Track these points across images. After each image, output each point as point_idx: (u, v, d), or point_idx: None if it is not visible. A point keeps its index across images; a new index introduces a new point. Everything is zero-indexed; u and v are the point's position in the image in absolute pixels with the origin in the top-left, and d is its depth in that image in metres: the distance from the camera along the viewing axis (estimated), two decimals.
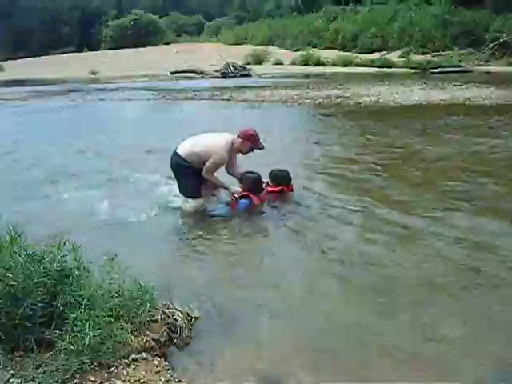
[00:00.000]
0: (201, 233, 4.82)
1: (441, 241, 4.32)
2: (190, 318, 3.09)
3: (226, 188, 5.53)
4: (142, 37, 48.93)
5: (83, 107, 15.14)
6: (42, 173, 6.96)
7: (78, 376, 2.28)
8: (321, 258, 4.16)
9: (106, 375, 2.33)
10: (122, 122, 12.10)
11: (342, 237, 4.54)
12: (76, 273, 2.86)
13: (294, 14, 41.34)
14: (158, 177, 6.25)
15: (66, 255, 2.85)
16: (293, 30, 35.84)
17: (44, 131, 10.85)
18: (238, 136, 5.41)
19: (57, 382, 2.21)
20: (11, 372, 2.27)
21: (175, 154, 5.41)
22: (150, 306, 2.88)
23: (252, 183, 5.45)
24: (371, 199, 5.41)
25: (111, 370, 2.37)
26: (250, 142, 5.41)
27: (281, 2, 46.20)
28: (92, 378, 2.29)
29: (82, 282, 2.75)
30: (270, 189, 5.58)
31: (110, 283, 2.86)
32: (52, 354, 2.36)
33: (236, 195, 5.41)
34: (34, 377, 2.22)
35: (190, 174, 5.37)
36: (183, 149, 5.40)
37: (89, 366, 2.34)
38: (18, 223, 2.82)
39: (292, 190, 5.69)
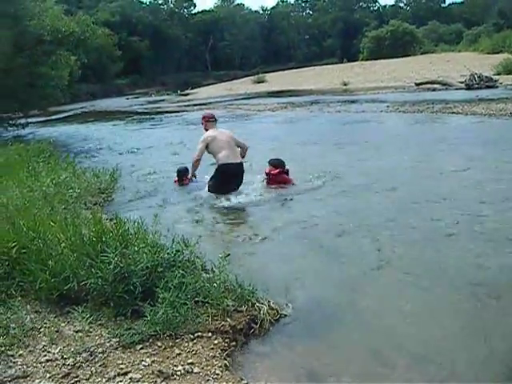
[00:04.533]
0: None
1: None
2: (277, 314, 3.58)
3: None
4: (398, 47, 49.16)
5: (316, 119, 16.29)
6: None
7: (150, 340, 3.01)
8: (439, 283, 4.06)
9: (170, 343, 3.01)
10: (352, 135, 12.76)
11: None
12: (186, 264, 3.65)
13: None
14: None
15: (179, 250, 3.66)
16: None
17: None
18: None
19: (133, 341, 2.97)
20: (108, 330, 3.12)
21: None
22: (236, 298, 3.48)
23: None
24: None
25: (177, 340, 3.04)
26: None
27: None
28: (159, 344, 3.00)
29: (185, 271, 3.49)
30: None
31: (207, 276, 3.56)
32: (139, 322, 3.13)
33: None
34: (119, 335, 3.02)
35: None
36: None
37: (163, 334, 3.05)
38: None
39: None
